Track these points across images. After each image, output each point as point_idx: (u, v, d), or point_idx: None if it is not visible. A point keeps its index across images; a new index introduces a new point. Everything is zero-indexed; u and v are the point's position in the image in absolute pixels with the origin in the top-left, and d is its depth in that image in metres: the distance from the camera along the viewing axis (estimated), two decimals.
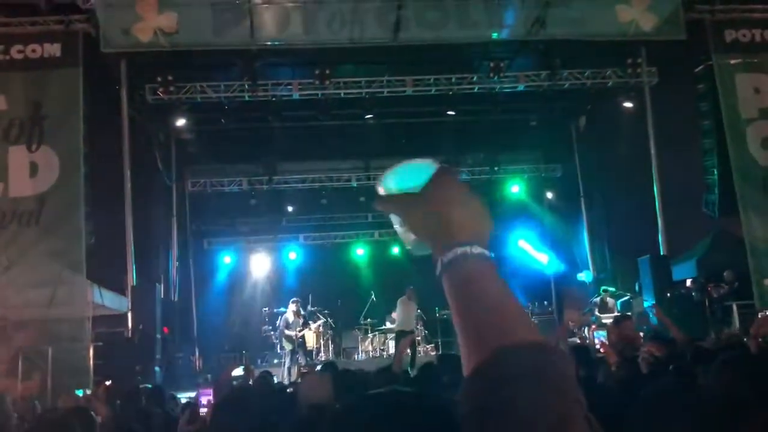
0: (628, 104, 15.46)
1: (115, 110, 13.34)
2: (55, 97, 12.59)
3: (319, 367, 9.86)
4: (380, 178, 1.15)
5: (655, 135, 14.48)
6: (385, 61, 14.73)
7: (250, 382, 6.78)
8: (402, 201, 1.13)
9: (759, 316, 9.86)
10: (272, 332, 16.13)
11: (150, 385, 8.82)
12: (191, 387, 12.14)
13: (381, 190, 1.15)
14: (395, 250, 18.62)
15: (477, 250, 1.04)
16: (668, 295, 13.55)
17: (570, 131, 18.61)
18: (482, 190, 19.00)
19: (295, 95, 14.64)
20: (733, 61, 14.15)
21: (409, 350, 11.60)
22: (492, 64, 14.45)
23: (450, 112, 16.28)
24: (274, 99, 14.73)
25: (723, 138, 13.91)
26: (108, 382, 8.95)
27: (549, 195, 19.45)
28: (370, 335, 16.73)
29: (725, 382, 2.62)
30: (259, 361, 15.85)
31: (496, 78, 14.56)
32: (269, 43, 13.43)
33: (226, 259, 19.66)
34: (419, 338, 15.57)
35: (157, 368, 12.65)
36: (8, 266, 11.74)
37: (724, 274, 14.04)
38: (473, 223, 1.08)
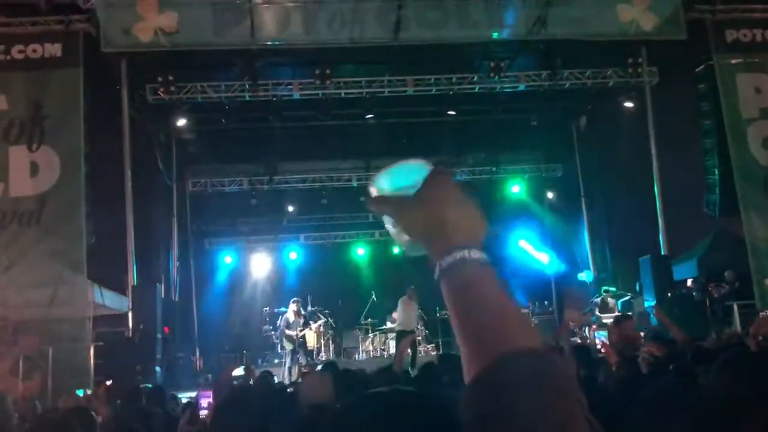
0: (628, 104, 15.45)
1: (115, 110, 13.33)
2: (55, 97, 12.59)
3: (319, 367, 9.86)
4: (373, 179, 1.15)
5: (655, 135, 14.47)
6: (385, 60, 14.73)
7: (251, 382, 6.78)
8: (396, 203, 1.12)
9: (760, 315, 9.87)
10: (273, 332, 16.13)
11: (150, 385, 8.83)
12: (192, 387, 12.14)
13: (373, 191, 1.14)
14: (396, 250, 18.56)
15: (475, 254, 1.04)
16: (669, 294, 13.54)
17: (571, 131, 18.60)
18: (483, 190, 19.04)
19: (296, 95, 14.63)
20: (733, 61, 14.14)
21: (409, 350, 11.60)
22: (493, 64, 14.44)
23: (451, 112, 16.28)
24: (274, 99, 14.73)
25: (724, 138, 13.91)
26: (109, 382, 8.95)
27: (550, 195, 19.45)
28: (370, 335, 16.73)
29: (725, 381, 2.62)
30: (259, 360, 15.86)
31: (496, 78, 14.55)
32: (270, 42, 13.43)
33: (227, 259, 19.67)
34: (420, 338, 15.58)
35: (157, 368, 12.65)
36: (9, 266, 11.74)
37: (725, 274, 14.04)
38: (469, 224, 1.08)
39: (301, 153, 17.87)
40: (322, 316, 15.93)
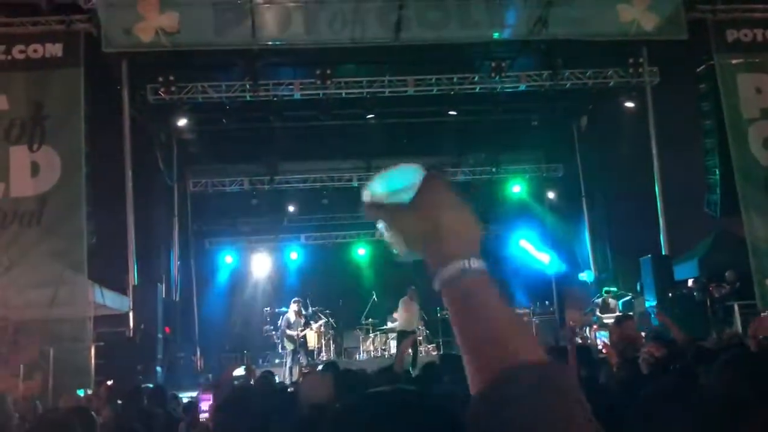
0: (629, 104, 15.45)
1: (116, 110, 13.33)
2: (56, 97, 12.59)
3: (320, 367, 9.86)
4: (366, 183, 1.14)
5: (656, 135, 14.46)
6: (386, 60, 14.72)
7: (252, 382, 6.78)
8: (391, 210, 1.11)
9: (761, 315, 9.87)
10: (274, 332, 16.14)
11: (151, 385, 8.83)
12: (193, 387, 12.13)
13: (367, 195, 1.13)
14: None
15: (475, 264, 1.04)
16: (670, 295, 13.53)
17: (571, 131, 18.59)
18: (483, 190, 19.04)
19: (297, 95, 14.63)
20: (734, 61, 14.14)
21: (410, 350, 11.60)
22: (493, 64, 14.44)
23: (451, 112, 16.28)
24: (275, 99, 14.72)
25: (725, 138, 13.90)
26: (109, 382, 8.97)
27: (550, 195, 19.44)
28: (371, 335, 16.72)
29: (726, 381, 2.62)
30: (260, 360, 15.86)
31: (497, 78, 14.55)
32: (270, 42, 13.43)
33: (228, 259, 19.67)
34: (421, 338, 15.57)
35: (158, 368, 12.65)
36: (9, 266, 11.74)
37: (726, 274, 14.03)
38: (466, 231, 1.08)
39: (302, 153, 17.87)
40: (322, 316, 15.93)
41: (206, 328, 17.80)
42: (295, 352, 14.22)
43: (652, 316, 13.37)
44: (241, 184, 18.49)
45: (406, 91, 14.84)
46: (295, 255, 19.89)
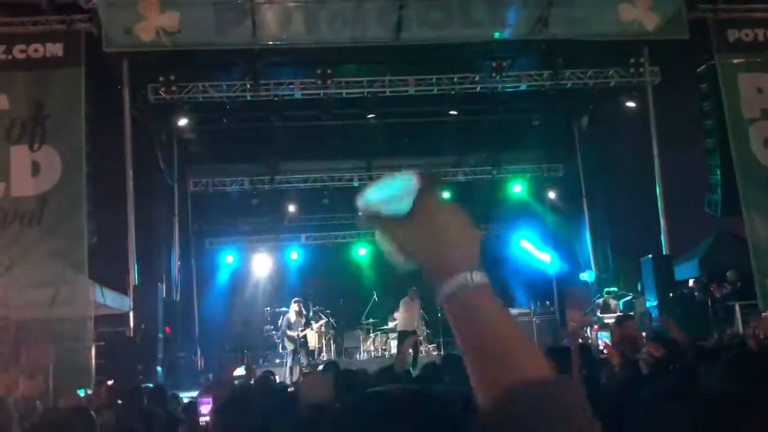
0: (630, 104, 15.43)
1: (117, 110, 13.34)
2: (57, 97, 12.60)
3: (320, 367, 9.86)
4: (359, 194, 1.12)
5: (657, 135, 14.44)
6: (387, 60, 14.71)
7: (252, 382, 6.78)
8: (389, 222, 1.09)
9: (762, 315, 9.87)
10: (274, 332, 16.14)
11: (152, 385, 8.83)
12: (193, 386, 12.14)
13: (362, 205, 1.11)
14: None
15: (477, 277, 1.03)
16: (671, 295, 13.52)
17: (572, 131, 18.58)
18: (484, 190, 19.05)
19: (297, 95, 14.62)
20: (735, 61, 14.12)
21: (411, 350, 11.60)
22: (494, 64, 14.43)
23: (452, 112, 16.27)
24: (275, 99, 14.72)
25: (726, 138, 13.89)
26: (110, 382, 8.97)
27: (551, 195, 19.43)
28: (371, 335, 16.72)
29: (726, 381, 2.61)
30: (260, 360, 15.86)
31: (498, 78, 14.54)
32: (271, 42, 13.43)
33: (228, 259, 19.67)
34: (421, 338, 15.56)
35: (158, 368, 12.65)
36: (10, 266, 11.74)
37: (727, 274, 14.02)
38: (465, 244, 1.07)
39: (303, 153, 17.86)
40: (323, 316, 15.93)
41: (207, 328, 17.80)
42: (295, 352, 14.22)
43: (653, 316, 13.37)
44: (242, 184, 18.50)
45: (406, 91, 14.83)
46: (295, 255, 19.89)
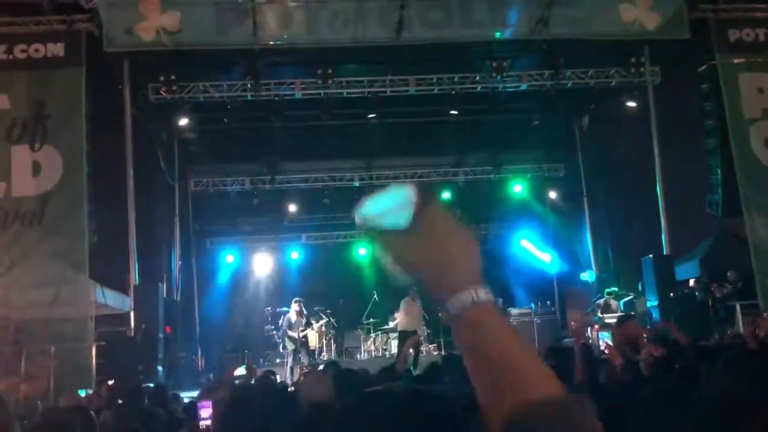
0: (631, 104, 15.42)
1: (117, 109, 13.34)
2: (58, 97, 12.61)
3: (321, 367, 9.86)
4: (356, 208, 1.10)
5: (658, 134, 14.44)
6: (387, 60, 14.70)
7: (253, 382, 6.77)
8: (389, 237, 1.08)
9: (764, 315, 9.85)
10: (275, 332, 16.14)
11: (152, 385, 8.83)
12: (194, 386, 12.14)
13: (359, 219, 1.09)
14: None
15: (482, 294, 1.01)
16: (671, 295, 13.52)
17: (573, 131, 18.56)
18: (485, 190, 19.05)
19: (298, 95, 14.62)
20: (736, 61, 14.11)
21: (411, 350, 11.59)
22: (495, 64, 14.42)
23: (453, 112, 16.26)
24: (276, 98, 14.72)
25: (726, 138, 13.89)
26: (111, 382, 8.97)
27: (552, 194, 19.42)
28: (372, 335, 16.71)
29: (727, 381, 2.61)
30: (261, 360, 15.86)
31: (498, 77, 14.53)
32: (272, 42, 13.43)
33: (229, 259, 19.67)
34: (422, 338, 15.55)
35: (159, 368, 12.65)
36: (11, 266, 11.74)
37: (728, 273, 14.01)
38: (469, 260, 1.05)
39: (303, 153, 17.85)
40: (323, 316, 15.93)
41: (207, 328, 17.80)
42: (296, 351, 14.22)
43: (654, 316, 13.37)
44: (242, 184, 18.50)
45: (407, 91, 14.83)
46: (296, 255, 19.89)
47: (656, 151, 14.43)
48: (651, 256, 13.98)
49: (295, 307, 14.55)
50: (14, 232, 12.04)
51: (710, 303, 13.93)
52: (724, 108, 13.87)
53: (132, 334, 12.54)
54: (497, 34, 13.96)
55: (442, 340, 16.50)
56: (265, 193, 18.56)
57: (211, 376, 14.42)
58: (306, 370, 11.64)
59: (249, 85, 14.24)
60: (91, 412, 3.94)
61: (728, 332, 11.17)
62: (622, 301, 14.94)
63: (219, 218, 19.33)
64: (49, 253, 11.91)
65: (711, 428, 1.90)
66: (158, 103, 14.38)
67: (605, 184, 17.67)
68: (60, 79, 12.63)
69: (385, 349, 16.33)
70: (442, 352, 14.98)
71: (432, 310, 15.70)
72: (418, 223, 1.05)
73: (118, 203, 13.19)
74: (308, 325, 14.79)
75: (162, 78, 13.92)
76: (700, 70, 14.65)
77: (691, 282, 14.87)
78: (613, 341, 6.92)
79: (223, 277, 19.51)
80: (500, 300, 16.41)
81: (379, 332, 16.61)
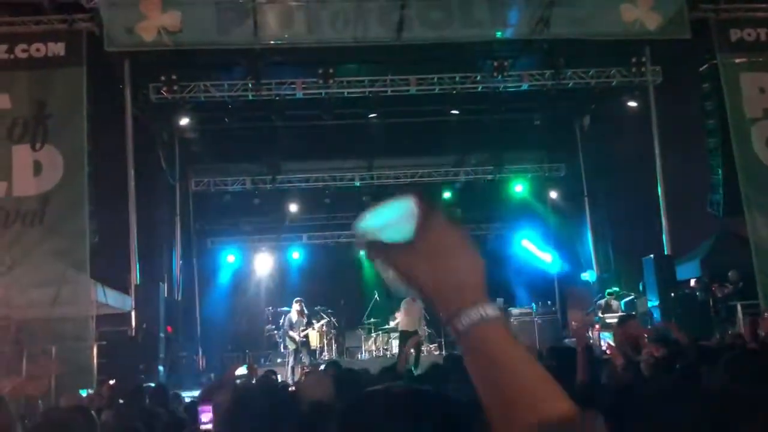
0: (632, 103, 15.41)
1: (118, 109, 13.34)
2: (59, 96, 12.61)
3: (322, 367, 9.86)
4: (357, 221, 1.07)
5: (659, 134, 14.43)
6: (388, 60, 14.70)
7: (253, 381, 6.78)
8: (392, 251, 1.05)
9: (765, 315, 9.83)
10: (276, 331, 16.15)
11: (153, 384, 8.83)
12: (195, 386, 12.15)
13: (360, 232, 1.07)
14: None
15: (490, 311, 1.00)
16: (672, 295, 13.51)
17: (574, 131, 18.56)
18: (486, 190, 19.05)
19: (299, 94, 14.62)
20: (737, 61, 14.10)
21: (413, 350, 11.59)
22: (496, 64, 14.41)
23: (453, 112, 16.25)
24: (277, 98, 14.72)
25: (728, 137, 13.87)
26: (112, 381, 8.97)
27: (553, 194, 19.42)
28: (373, 335, 16.71)
29: (727, 381, 2.61)
30: (262, 360, 15.87)
31: (499, 77, 14.52)
32: (273, 42, 13.43)
33: (230, 259, 19.67)
34: (423, 338, 15.55)
35: (160, 367, 12.66)
36: (12, 266, 11.75)
37: (729, 273, 14.00)
38: (475, 275, 1.03)
39: (304, 152, 17.85)
40: (324, 316, 15.93)
41: (208, 328, 17.82)
42: (297, 351, 14.22)
43: (655, 316, 13.37)
44: (243, 184, 18.50)
45: (408, 91, 14.83)
46: (297, 254, 19.89)
47: (657, 151, 14.42)
48: (652, 256, 13.98)
49: (296, 306, 14.55)
50: (15, 232, 12.05)
51: (711, 303, 13.92)
52: (725, 108, 13.86)
53: (133, 334, 12.55)
54: (498, 34, 13.96)
55: (443, 340, 16.50)
56: (266, 193, 18.56)
57: (212, 375, 14.42)
58: (307, 370, 11.65)
59: (250, 85, 14.25)
60: (92, 411, 3.94)
61: (729, 332, 11.16)
62: (623, 301, 14.94)
63: (220, 218, 19.34)
64: (50, 252, 11.91)
65: (711, 428, 1.90)
66: (159, 103, 14.38)
67: (606, 184, 17.66)
68: (61, 79, 12.63)
69: (386, 349, 16.33)
70: (444, 352, 14.98)
71: (432, 310, 15.68)
72: (421, 236, 1.03)
73: (119, 203, 13.20)
74: (309, 324, 14.79)
75: (163, 78, 13.92)
76: (701, 69, 14.64)
77: (692, 282, 14.86)
78: (614, 341, 6.92)
79: (224, 277, 19.52)
80: (501, 300, 16.42)
81: (380, 332, 16.61)
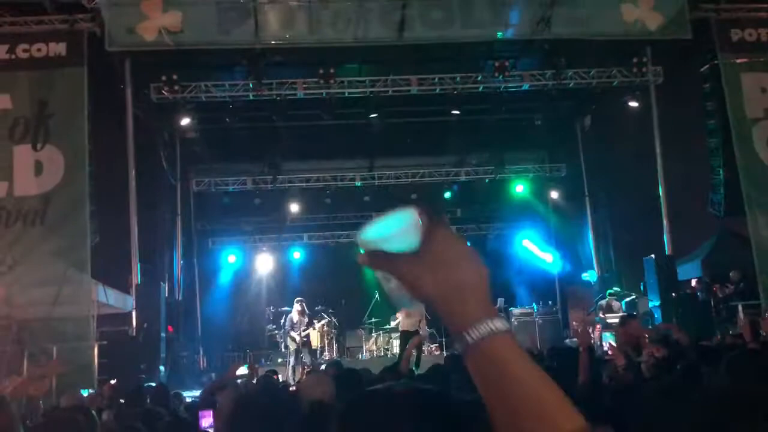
0: (633, 103, 15.41)
1: (119, 109, 13.35)
2: (60, 96, 12.61)
3: (323, 366, 9.86)
4: (359, 232, 1.05)
5: (660, 134, 14.43)
6: (389, 60, 14.71)
7: (254, 381, 6.77)
8: (396, 261, 1.03)
9: (766, 315, 9.84)
10: (277, 331, 16.15)
11: (154, 384, 8.84)
12: (196, 385, 12.15)
13: (361, 243, 1.05)
14: None
15: (499, 324, 0.99)
16: (673, 295, 13.50)
17: (575, 130, 18.57)
18: (487, 190, 19.05)
19: (300, 94, 14.62)
20: (738, 61, 14.10)
21: (414, 350, 11.58)
22: (497, 64, 14.41)
23: (455, 112, 16.25)
24: (278, 98, 14.71)
25: (728, 137, 13.88)
26: (113, 381, 8.97)
27: (554, 194, 19.41)
28: (373, 335, 16.72)
29: (729, 381, 2.61)
30: (263, 360, 15.87)
31: (500, 77, 14.52)
32: (274, 42, 13.43)
33: (231, 259, 19.68)
34: (424, 338, 15.54)
35: (161, 367, 12.67)
36: (13, 265, 11.76)
37: (730, 274, 14.00)
38: (479, 286, 1.02)
39: (305, 152, 17.86)
40: (325, 316, 15.93)
41: (209, 327, 17.82)
42: (298, 351, 14.22)
43: (656, 316, 13.36)
44: (245, 184, 18.50)
45: (409, 91, 14.83)
46: (298, 254, 19.90)
47: (658, 151, 14.42)
48: (653, 256, 13.98)
49: (297, 306, 14.55)
50: (16, 232, 12.06)
51: (712, 303, 13.93)
52: (726, 108, 13.86)
53: (134, 334, 12.56)
54: (499, 34, 13.95)
55: (444, 339, 16.50)
56: (267, 193, 18.56)
57: (213, 375, 14.42)
58: (308, 370, 11.65)
59: (251, 85, 14.25)
60: (93, 411, 3.94)
61: (730, 332, 11.16)
62: (624, 302, 14.93)
63: (221, 218, 19.35)
64: (51, 252, 11.92)
65: (712, 428, 1.90)
66: (160, 103, 14.39)
67: (607, 184, 17.66)
68: (62, 79, 12.64)
69: (387, 349, 16.33)
70: (445, 352, 14.98)
71: (433, 310, 15.68)
72: (426, 247, 1.02)
73: (120, 203, 13.21)
74: (310, 324, 14.79)
75: (164, 78, 13.92)
76: (702, 69, 14.65)
77: (693, 282, 14.86)
78: (616, 342, 6.92)
79: (225, 277, 19.52)
80: (502, 300, 16.42)
81: (381, 332, 16.62)
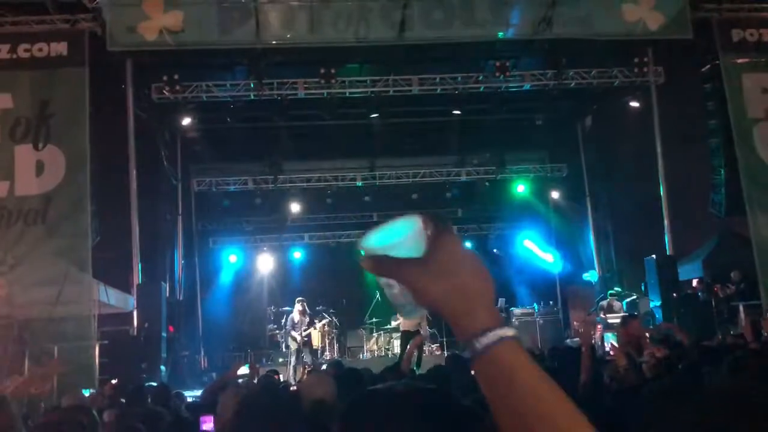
0: (634, 103, 15.41)
1: (120, 109, 13.35)
2: (61, 96, 12.62)
3: (324, 366, 9.86)
4: (361, 238, 1.04)
5: (661, 134, 14.43)
6: (390, 60, 14.71)
7: (255, 381, 6.78)
8: (400, 266, 1.03)
9: (766, 316, 9.84)
10: (278, 331, 16.16)
11: (155, 384, 8.84)
12: (197, 385, 12.16)
13: (363, 250, 1.04)
14: None
15: (507, 332, 0.99)
16: (674, 295, 13.50)
17: (576, 131, 18.57)
18: (488, 190, 19.05)
19: (301, 94, 14.63)
20: (740, 61, 14.10)
21: (415, 350, 11.58)
22: (498, 64, 14.40)
23: (456, 112, 16.25)
24: (279, 98, 14.72)
25: (730, 137, 13.88)
26: (114, 381, 8.97)
27: (555, 195, 19.40)
28: (374, 335, 16.72)
29: (730, 381, 2.61)
30: (264, 360, 15.88)
31: (501, 77, 14.51)
32: (275, 42, 13.43)
33: (232, 258, 19.69)
34: (425, 338, 15.54)
35: (162, 367, 12.68)
36: (14, 265, 11.77)
37: (731, 274, 14.00)
38: (486, 295, 1.02)
39: (306, 152, 17.87)
40: (326, 315, 15.93)
41: (210, 327, 17.82)
42: (299, 351, 14.22)
43: (657, 316, 13.36)
44: (245, 183, 18.50)
45: (410, 91, 14.83)
46: (298, 254, 19.91)
47: (659, 151, 14.41)
48: (654, 256, 13.98)
49: (298, 306, 14.56)
50: (17, 231, 12.06)
51: (713, 303, 13.92)
52: (727, 108, 13.86)
53: (135, 333, 12.56)
54: (500, 34, 13.95)
55: (445, 339, 16.50)
56: (268, 193, 18.57)
57: (214, 375, 14.42)
58: (309, 370, 11.66)
59: (252, 85, 14.26)
60: (94, 411, 3.94)
61: (731, 333, 11.16)
62: (625, 302, 14.93)
63: (222, 218, 19.36)
64: (52, 252, 11.93)
65: (713, 429, 1.90)
66: (161, 103, 14.40)
67: (608, 184, 17.66)
68: (63, 79, 12.65)
69: (388, 349, 16.34)
70: (446, 352, 14.97)
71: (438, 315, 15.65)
72: (432, 255, 1.02)
73: (121, 203, 13.21)
74: (311, 324, 14.79)
75: (165, 77, 13.93)
76: (703, 70, 14.64)
77: (695, 282, 14.87)
78: (618, 342, 6.92)
79: (225, 277, 19.53)
80: (503, 300, 16.42)
81: (382, 332, 16.62)
